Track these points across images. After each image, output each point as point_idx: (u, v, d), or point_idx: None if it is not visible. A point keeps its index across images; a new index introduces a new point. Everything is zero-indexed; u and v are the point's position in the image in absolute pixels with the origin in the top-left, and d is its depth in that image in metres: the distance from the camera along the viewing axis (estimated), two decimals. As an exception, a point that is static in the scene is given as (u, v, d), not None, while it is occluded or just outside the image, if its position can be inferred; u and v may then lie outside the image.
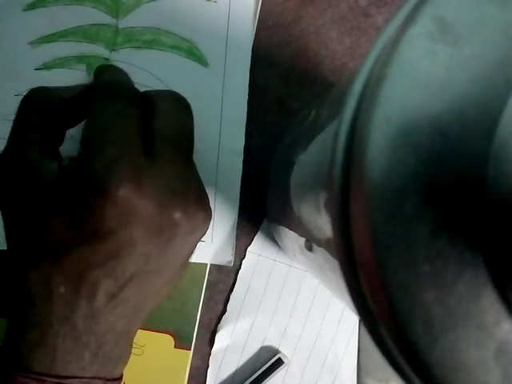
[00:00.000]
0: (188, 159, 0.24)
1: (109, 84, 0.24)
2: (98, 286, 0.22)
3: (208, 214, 0.25)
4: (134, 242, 0.22)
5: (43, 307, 0.22)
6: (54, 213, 0.22)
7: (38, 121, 0.24)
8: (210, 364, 0.36)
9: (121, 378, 0.25)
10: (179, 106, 0.26)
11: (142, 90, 0.26)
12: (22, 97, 0.35)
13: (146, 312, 0.24)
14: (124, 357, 0.24)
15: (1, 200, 0.23)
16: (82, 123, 0.24)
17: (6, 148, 0.23)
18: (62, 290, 0.21)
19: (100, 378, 0.22)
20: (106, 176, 0.21)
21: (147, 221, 0.22)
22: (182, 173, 0.23)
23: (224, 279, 0.36)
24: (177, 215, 0.22)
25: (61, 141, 0.25)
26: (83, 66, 0.36)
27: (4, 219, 0.23)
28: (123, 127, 0.22)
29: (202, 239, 0.36)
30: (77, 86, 0.26)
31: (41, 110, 0.24)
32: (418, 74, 0.13)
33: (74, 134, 0.26)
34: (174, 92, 0.26)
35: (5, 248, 0.34)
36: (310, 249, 0.22)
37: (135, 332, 0.25)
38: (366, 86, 0.14)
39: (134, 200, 0.21)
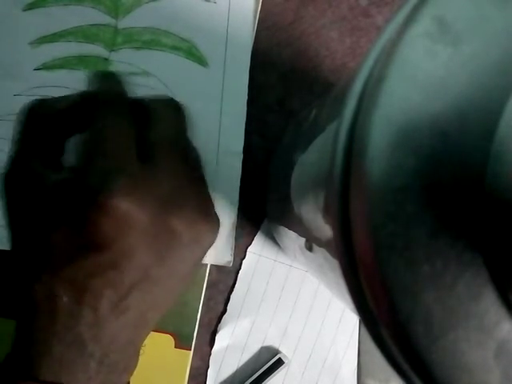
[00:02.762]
0: (185, 166, 0.24)
1: (99, 94, 0.25)
2: (100, 296, 0.22)
3: (213, 225, 0.24)
4: (132, 252, 0.22)
5: (48, 317, 0.22)
6: (54, 225, 0.22)
7: (39, 133, 0.24)
8: (210, 364, 0.36)
9: None
10: (172, 113, 0.25)
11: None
12: (21, 97, 0.35)
13: (151, 322, 0.25)
14: (130, 366, 0.24)
15: (7, 211, 0.24)
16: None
17: (12, 161, 0.24)
18: (65, 300, 0.22)
19: None
20: (100, 188, 0.21)
21: (144, 231, 0.22)
22: (179, 181, 0.23)
23: (224, 279, 0.36)
24: (174, 224, 0.22)
25: (62, 150, 0.26)
26: (83, 67, 0.36)
27: (10, 230, 0.24)
28: (117, 138, 0.23)
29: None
30: (70, 96, 0.26)
31: (41, 122, 0.24)
32: (417, 74, 0.13)
33: (76, 143, 0.26)
34: (168, 97, 0.26)
35: (5, 248, 0.34)
36: (310, 249, 0.22)
37: (142, 342, 0.25)
38: (366, 86, 0.14)
39: (129, 211, 0.21)
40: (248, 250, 0.36)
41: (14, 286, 0.23)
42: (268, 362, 0.36)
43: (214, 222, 0.25)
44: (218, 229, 0.25)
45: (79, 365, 0.22)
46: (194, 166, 0.25)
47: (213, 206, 0.25)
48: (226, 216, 0.36)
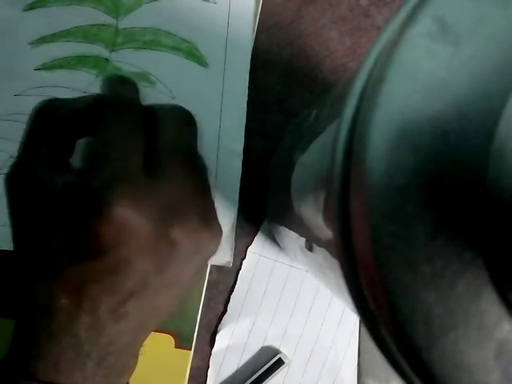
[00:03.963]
0: (191, 175, 0.24)
1: (114, 100, 0.24)
2: (98, 301, 0.22)
3: (214, 233, 0.24)
4: (130, 260, 0.22)
5: (46, 318, 0.22)
6: (55, 229, 0.22)
7: (48, 134, 0.24)
8: (210, 364, 0.36)
9: None
10: (182, 122, 0.25)
11: (141, 90, 0.26)
12: (21, 97, 0.35)
13: (150, 327, 0.25)
14: (128, 367, 0.24)
15: (10, 212, 0.24)
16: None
17: (16, 162, 0.24)
18: (63, 303, 0.22)
19: None
20: (102, 194, 0.21)
21: (143, 239, 0.22)
22: (183, 191, 0.23)
23: (224, 279, 0.36)
24: (175, 234, 0.22)
25: (70, 152, 0.26)
26: (83, 67, 0.36)
27: (13, 231, 0.24)
28: (123, 145, 0.22)
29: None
30: (85, 98, 0.26)
31: (50, 122, 0.24)
32: (418, 74, 0.13)
33: (83, 145, 0.26)
34: (179, 106, 0.26)
35: (6, 248, 0.34)
36: (310, 249, 0.22)
37: (141, 345, 0.25)
38: (366, 86, 0.14)
39: (129, 219, 0.21)
40: (248, 250, 0.36)
41: (14, 286, 0.24)
42: (268, 362, 0.36)
43: (216, 231, 0.25)
44: (220, 238, 0.25)
45: (76, 365, 0.22)
46: (199, 176, 0.25)
47: (215, 216, 0.25)
48: (226, 216, 0.36)
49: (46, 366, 0.22)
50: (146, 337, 0.25)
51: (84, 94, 0.34)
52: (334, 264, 0.16)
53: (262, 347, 0.36)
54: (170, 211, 0.22)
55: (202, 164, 0.26)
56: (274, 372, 0.36)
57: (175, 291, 0.24)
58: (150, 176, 0.22)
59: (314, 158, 0.21)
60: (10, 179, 0.24)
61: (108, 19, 0.36)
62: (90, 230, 0.21)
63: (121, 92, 0.25)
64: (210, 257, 0.25)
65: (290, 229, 0.27)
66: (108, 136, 0.23)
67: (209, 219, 0.24)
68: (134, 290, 0.22)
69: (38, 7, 0.36)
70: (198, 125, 0.26)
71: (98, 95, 0.25)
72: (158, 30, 0.36)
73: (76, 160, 0.24)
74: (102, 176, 0.21)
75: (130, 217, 0.21)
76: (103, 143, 0.22)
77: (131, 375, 0.25)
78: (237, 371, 0.36)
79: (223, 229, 0.36)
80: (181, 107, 0.26)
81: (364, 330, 0.15)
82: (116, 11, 0.36)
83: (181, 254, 0.23)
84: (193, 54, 0.36)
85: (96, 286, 0.22)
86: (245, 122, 0.36)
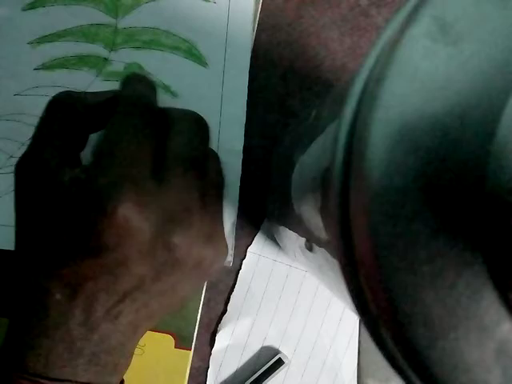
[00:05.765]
0: (199, 185, 0.24)
1: (130, 98, 0.24)
2: (92, 299, 0.22)
3: (218, 250, 0.24)
4: (128, 261, 0.22)
5: (39, 312, 0.22)
6: (58, 223, 0.22)
7: (62, 126, 0.24)
8: (210, 364, 0.36)
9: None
10: (197, 130, 0.25)
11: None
12: (21, 97, 0.35)
13: (142, 329, 0.25)
14: (121, 367, 0.24)
15: (15, 202, 0.24)
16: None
17: (28, 151, 0.23)
18: (57, 297, 0.22)
19: None
20: (108, 194, 0.21)
21: (142, 243, 0.22)
22: (189, 199, 0.23)
23: (224, 279, 0.36)
24: (174, 242, 0.22)
25: (82, 146, 0.25)
26: (82, 67, 0.36)
27: (16, 221, 0.24)
28: (135, 145, 0.22)
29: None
30: (103, 93, 0.25)
31: (66, 114, 0.24)
32: (418, 74, 0.13)
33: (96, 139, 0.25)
34: (192, 112, 0.25)
35: (6, 248, 0.34)
36: (310, 249, 0.22)
37: (134, 345, 0.25)
38: (366, 86, 0.14)
39: (132, 221, 0.21)
40: (248, 250, 0.36)
41: (12, 282, 0.24)
42: (268, 362, 0.36)
43: (220, 248, 0.24)
44: (225, 256, 0.25)
45: (67, 360, 0.22)
46: (212, 187, 0.25)
47: (222, 235, 0.25)
48: (226, 217, 0.36)
49: (38, 359, 0.22)
50: (137, 340, 0.25)
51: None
52: (334, 264, 0.16)
53: (262, 347, 0.36)
54: (173, 218, 0.22)
55: (217, 176, 0.26)
56: (273, 372, 0.36)
57: (170, 300, 0.24)
58: (157, 180, 0.22)
59: (314, 158, 0.21)
60: (20, 167, 0.23)
61: (107, 19, 0.36)
62: (92, 228, 0.21)
63: (137, 91, 0.25)
64: (211, 273, 0.25)
65: (289, 229, 0.27)
66: (119, 134, 0.22)
67: (213, 236, 0.24)
68: (130, 292, 0.22)
69: (38, 7, 0.35)
70: (211, 135, 0.26)
71: (116, 91, 0.25)
72: (158, 29, 0.36)
73: (87, 155, 0.24)
74: (110, 175, 0.21)
75: (133, 219, 0.21)
76: (113, 141, 0.22)
77: (124, 374, 0.25)
78: (236, 371, 0.36)
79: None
80: (194, 113, 0.25)
81: (364, 329, 0.15)
82: (115, 11, 0.36)
83: (180, 264, 0.23)
84: (192, 54, 0.36)
85: (92, 284, 0.22)
86: (245, 121, 0.36)
